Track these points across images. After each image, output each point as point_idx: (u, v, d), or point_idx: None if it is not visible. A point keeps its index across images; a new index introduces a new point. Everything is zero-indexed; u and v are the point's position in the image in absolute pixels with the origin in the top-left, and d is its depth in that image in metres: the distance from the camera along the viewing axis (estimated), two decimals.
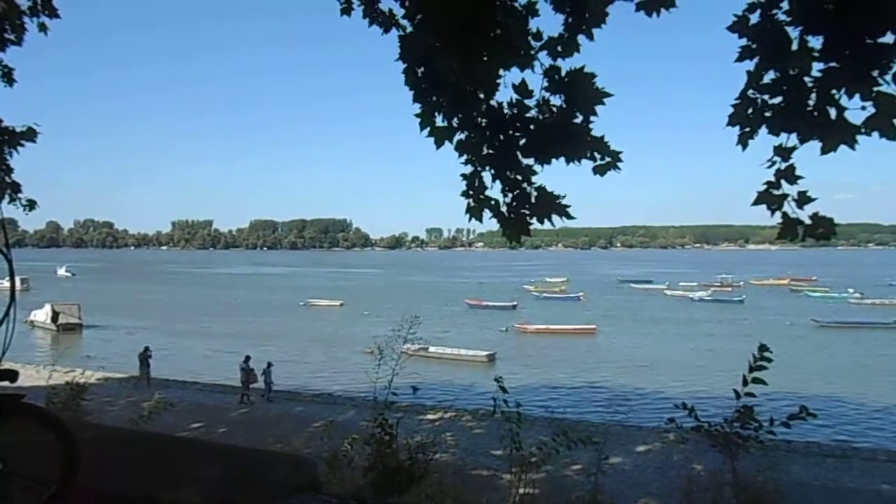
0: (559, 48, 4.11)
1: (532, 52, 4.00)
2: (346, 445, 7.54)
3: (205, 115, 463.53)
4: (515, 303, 59.77)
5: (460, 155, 4.07)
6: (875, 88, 3.11)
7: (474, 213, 4.07)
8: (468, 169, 4.07)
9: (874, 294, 63.74)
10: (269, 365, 23.48)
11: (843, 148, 3.24)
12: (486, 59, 3.95)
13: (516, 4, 4.12)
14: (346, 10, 5.25)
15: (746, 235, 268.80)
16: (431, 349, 30.45)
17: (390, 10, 4.89)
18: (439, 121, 4.08)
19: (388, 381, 8.17)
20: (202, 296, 71.81)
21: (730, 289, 75.47)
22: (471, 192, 4.07)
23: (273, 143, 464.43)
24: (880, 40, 3.03)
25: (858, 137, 3.24)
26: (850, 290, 67.01)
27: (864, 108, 3.18)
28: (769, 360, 3.44)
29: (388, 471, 6.64)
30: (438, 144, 4.08)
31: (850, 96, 3.17)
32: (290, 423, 17.38)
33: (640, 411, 21.23)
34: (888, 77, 3.07)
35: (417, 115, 4.10)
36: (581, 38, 4.07)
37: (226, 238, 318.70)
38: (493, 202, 4.03)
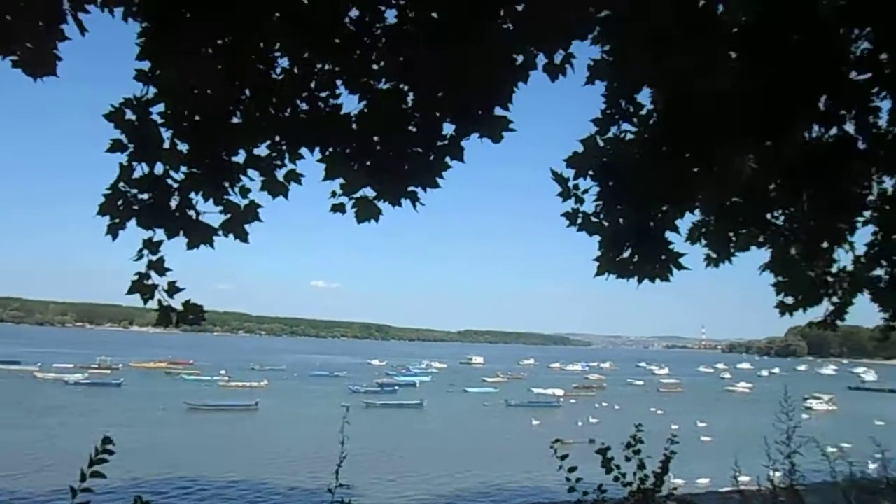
0: None
1: None
2: None
3: None
4: None
5: None
6: (226, 197, 3.63)
7: None
8: None
9: (240, 377, 70.55)
10: None
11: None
12: None
13: None
14: None
15: (132, 317, 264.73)
16: None
17: None
18: None
19: None
20: None
21: (108, 371, 72.43)
22: None
23: None
24: (234, 159, 3.57)
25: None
26: (222, 373, 72.80)
27: (221, 211, 3.67)
28: (111, 453, 3.38)
29: None
30: None
31: (206, 200, 3.59)
32: None
33: None
34: (237, 189, 3.63)
35: None
36: None
37: None
38: None
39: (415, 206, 3.63)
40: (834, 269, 5.79)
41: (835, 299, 5.99)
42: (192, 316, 3.70)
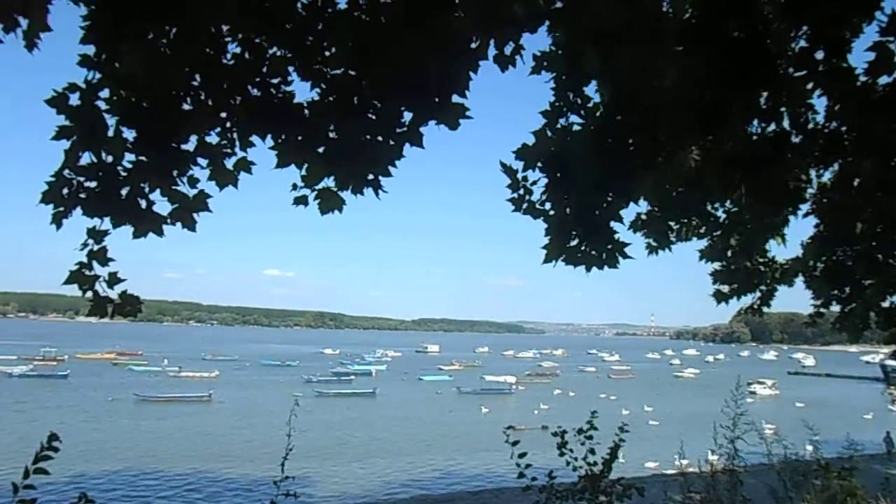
0: None
1: None
2: None
3: None
4: None
5: None
6: (174, 187, 3.54)
7: None
8: None
9: (191, 367, 69.43)
10: None
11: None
12: None
13: None
14: None
15: (77, 307, 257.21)
16: None
17: None
18: None
19: None
20: None
21: (54, 363, 70.38)
22: None
23: None
24: (183, 147, 3.50)
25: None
26: (165, 363, 72.40)
27: (169, 201, 3.60)
28: (56, 450, 3.29)
29: None
30: None
31: (153, 190, 3.50)
32: None
33: None
34: (185, 179, 3.56)
35: None
36: None
37: None
38: None
39: (377, 193, 3.61)
40: (766, 259, 6.04)
41: (763, 287, 6.23)
42: (129, 307, 3.56)
